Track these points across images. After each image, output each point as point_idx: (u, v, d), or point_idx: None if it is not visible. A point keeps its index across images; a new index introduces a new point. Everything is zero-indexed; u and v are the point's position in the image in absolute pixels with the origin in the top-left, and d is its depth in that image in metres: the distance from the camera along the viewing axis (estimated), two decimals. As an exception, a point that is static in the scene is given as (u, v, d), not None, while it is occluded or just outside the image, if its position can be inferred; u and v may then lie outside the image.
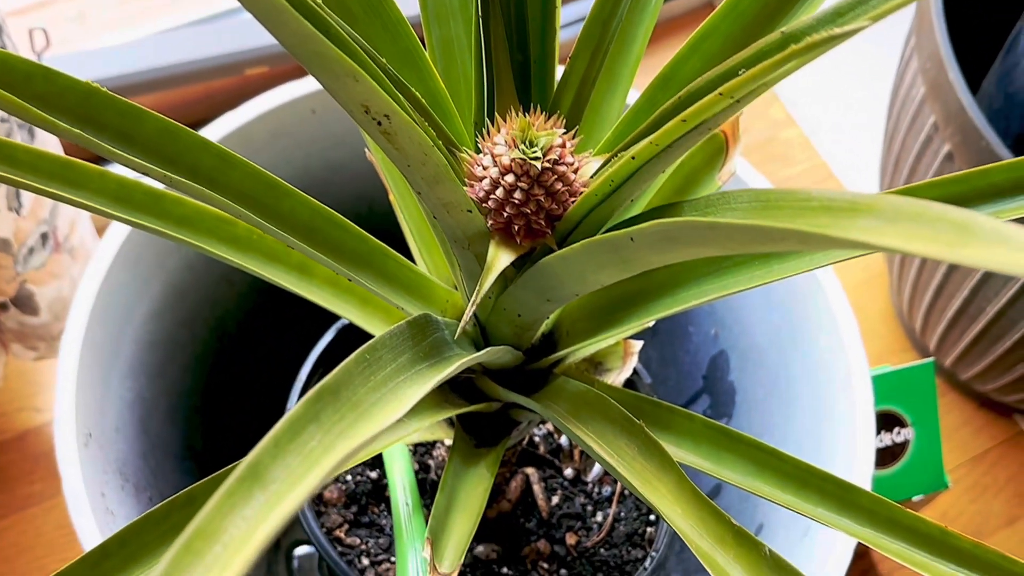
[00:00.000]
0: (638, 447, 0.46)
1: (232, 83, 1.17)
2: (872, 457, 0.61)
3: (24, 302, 0.80)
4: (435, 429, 0.63)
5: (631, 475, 0.45)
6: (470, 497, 0.55)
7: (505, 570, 0.72)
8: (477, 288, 0.43)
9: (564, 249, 0.40)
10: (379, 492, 0.75)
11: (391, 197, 0.59)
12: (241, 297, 0.80)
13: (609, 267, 0.40)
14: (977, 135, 0.71)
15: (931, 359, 0.72)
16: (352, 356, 0.35)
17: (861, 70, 1.32)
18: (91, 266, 0.64)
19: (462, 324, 0.42)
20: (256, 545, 0.25)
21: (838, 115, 1.28)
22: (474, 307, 0.43)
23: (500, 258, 0.44)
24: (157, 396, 0.74)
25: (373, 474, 0.75)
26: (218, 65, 1.13)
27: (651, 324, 0.60)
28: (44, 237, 0.78)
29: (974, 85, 0.81)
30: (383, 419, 0.33)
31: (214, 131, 0.75)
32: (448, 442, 0.71)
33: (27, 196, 0.75)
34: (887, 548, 0.43)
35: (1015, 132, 0.83)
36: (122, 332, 0.68)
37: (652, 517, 0.75)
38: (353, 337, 0.74)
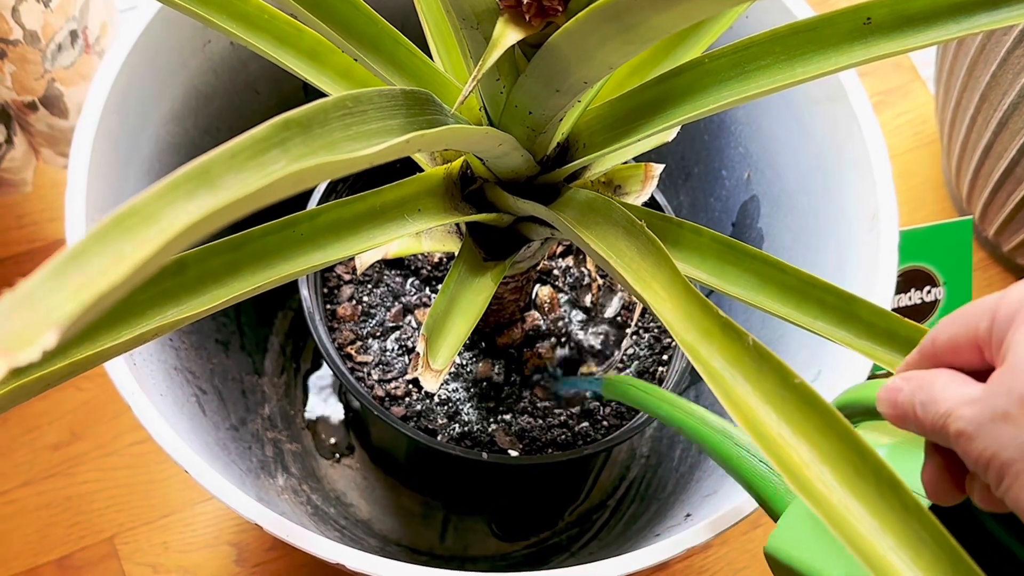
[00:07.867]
0: (637, 248, 0.45)
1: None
2: (889, 299, 0.59)
3: (53, 103, 0.80)
4: (447, 240, 0.62)
5: (628, 273, 0.44)
6: (471, 304, 0.55)
7: (506, 390, 0.72)
8: (480, 63, 0.41)
9: (568, 22, 0.39)
10: (393, 310, 0.75)
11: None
12: (269, 111, 0.79)
13: (614, 39, 0.38)
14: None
15: (970, 217, 0.68)
16: (330, 98, 0.34)
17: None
18: (107, 56, 0.63)
19: (461, 98, 0.40)
20: (189, 234, 0.25)
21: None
22: (475, 82, 0.41)
23: (507, 35, 0.42)
24: (177, 200, 0.74)
25: (388, 292, 0.75)
26: None
27: (672, 137, 0.58)
28: (74, 35, 0.77)
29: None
30: (357, 153, 0.31)
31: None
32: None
33: (56, -9, 0.74)
34: (883, 359, 0.42)
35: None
36: (141, 128, 0.67)
37: (664, 357, 0.74)
38: (373, 171, 0.72)
